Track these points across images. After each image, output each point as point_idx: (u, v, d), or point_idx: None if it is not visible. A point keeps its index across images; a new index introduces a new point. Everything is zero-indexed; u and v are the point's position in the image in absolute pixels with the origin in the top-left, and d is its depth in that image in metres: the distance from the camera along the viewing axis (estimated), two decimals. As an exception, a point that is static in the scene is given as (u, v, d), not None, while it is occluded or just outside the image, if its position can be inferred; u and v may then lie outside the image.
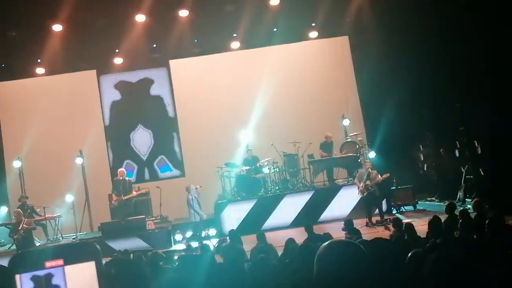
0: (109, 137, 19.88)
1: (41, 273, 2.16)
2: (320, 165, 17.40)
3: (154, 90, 20.21)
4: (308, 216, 15.75)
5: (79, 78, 19.53)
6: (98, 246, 2.22)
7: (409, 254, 5.02)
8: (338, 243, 2.82)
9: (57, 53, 17.43)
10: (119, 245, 14.75)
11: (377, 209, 15.35)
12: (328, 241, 2.79)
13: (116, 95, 20.08)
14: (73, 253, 2.22)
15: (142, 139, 20.04)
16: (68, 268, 2.16)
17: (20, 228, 14.86)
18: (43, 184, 18.15)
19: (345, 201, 16.40)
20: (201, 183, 17.56)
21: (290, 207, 16.39)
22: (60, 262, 2.19)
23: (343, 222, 12.12)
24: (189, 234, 15.58)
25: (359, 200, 16.02)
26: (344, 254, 2.68)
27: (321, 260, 2.70)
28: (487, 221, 8.69)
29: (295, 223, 15.92)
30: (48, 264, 2.19)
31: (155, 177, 19.74)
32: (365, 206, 15.39)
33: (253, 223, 15.77)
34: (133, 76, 20.13)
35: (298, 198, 16.51)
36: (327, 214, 16.27)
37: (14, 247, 15.69)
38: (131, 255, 10.98)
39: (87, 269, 2.19)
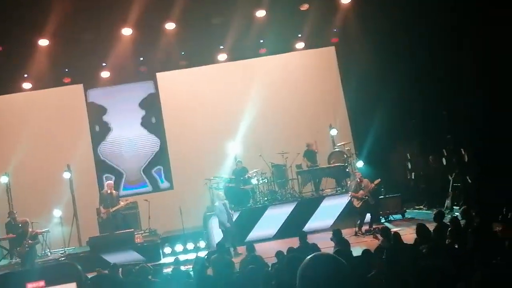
0: (96, 151, 19.84)
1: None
2: (308, 176, 17.42)
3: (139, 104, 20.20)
4: (292, 227, 15.75)
5: (66, 93, 19.49)
6: (79, 267, 2.22)
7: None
8: (320, 256, 2.83)
9: (43, 67, 17.43)
10: (113, 258, 14.70)
11: (369, 218, 15.39)
12: (311, 255, 2.82)
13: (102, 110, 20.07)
14: (54, 274, 2.22)
15: (129, 153, 20.00)
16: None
17: (25, 242, 14.78)
18: (31, 199, 18.02)
19: (328, 211, 16.44)
20: (189, 195, 17.60)
21: (273, 219, 16.37)
22: (42, 283, 2.19)
23: (331, 232, 12.10)
24: (178, 247, 15.60)
25: (342, 210, 16.20)
26: (326, 268, 2.72)
27: (304, 273, 2.74)
28: (470, 230, 8.75)
29: (279, 235, 15.95)
30: (29, 285, 2.20)
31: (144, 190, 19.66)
32: (359, 216, 15.36)
33: (238, 235, 15.75)
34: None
35: (281, 209, 16.47)
36: (310, 225, 16.18)
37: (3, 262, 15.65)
38: (120, 269, 10.95)
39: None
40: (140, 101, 20.16)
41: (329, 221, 16.19)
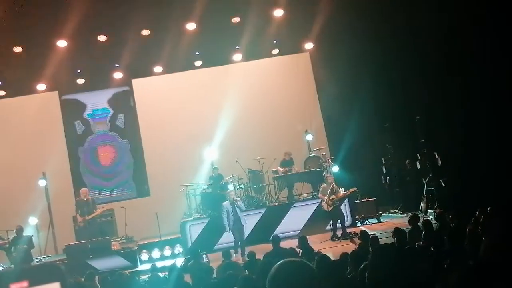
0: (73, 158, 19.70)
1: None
2: (284, 181, 17.46)
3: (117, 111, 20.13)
4: (261, 234, 15.77)
5: (41, 100, 19.29)
6: (62, 267, 2.23)
7: (361, 266, 5.15)
8: (289, 263, 2.83)
9: (18, 74, 17.29)
10: (98, 263, 14.74)
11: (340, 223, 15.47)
12: (280, 262, 2.82)
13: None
14: (38, 274, 2.22)
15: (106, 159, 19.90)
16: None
17: (20, 247, 14.69)
18: (5, 207, 17.82)
19: (297, 217, 16.46)
20: (166, 201, 17.55)
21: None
22: (25, 284, 2.19)
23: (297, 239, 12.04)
24: (155, 253, 15.53)
25: (311, 216, 16.33)
26: (295, 275, 2.72)
27: (273, 280, 2.74)
28: (446, 232, 8.85)
29: (248, 241, 15.92)
30: (12, 286, 2.19)
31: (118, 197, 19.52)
32: (330, 220, 15.44)
33: (207, 241, 15.80)
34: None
35: (250, 216, 16.19)
36: (279, 231, 15.96)
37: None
38: (97, 277, 10.86)
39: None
40: (115, 105, 20.10)
41: (298, 227, 16.22)
